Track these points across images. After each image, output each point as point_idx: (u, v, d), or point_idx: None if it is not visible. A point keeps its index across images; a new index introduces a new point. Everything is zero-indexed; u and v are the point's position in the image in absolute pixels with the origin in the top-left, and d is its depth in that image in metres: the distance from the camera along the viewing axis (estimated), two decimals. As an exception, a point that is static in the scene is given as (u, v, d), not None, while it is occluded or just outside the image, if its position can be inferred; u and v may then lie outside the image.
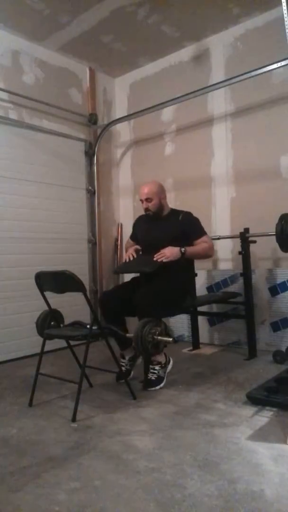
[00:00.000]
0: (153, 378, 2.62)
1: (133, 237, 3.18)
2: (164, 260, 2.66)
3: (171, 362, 2.79)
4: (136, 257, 2.93)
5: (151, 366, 2.64)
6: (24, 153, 3.77)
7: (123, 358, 2.80)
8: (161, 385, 2.62)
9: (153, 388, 2.58)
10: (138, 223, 3.17)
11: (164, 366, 2.68)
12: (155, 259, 2.68)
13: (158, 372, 2.63)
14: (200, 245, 2.83)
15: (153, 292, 2.62)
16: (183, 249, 2.72)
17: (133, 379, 2.73)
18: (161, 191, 2.91)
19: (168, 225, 2.89)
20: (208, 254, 2.89)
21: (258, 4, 3.43)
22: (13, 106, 3.72)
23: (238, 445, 1.81)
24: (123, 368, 2.72)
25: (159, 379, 2.62)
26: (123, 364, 2.77)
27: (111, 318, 2.73)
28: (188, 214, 2.93)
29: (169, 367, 2.77)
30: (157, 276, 2.68)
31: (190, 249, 2.76)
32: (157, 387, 2.59)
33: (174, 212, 2.97)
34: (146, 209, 2.91)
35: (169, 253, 2.68)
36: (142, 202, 2.91)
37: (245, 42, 3.71)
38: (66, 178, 4.13)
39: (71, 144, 4.21)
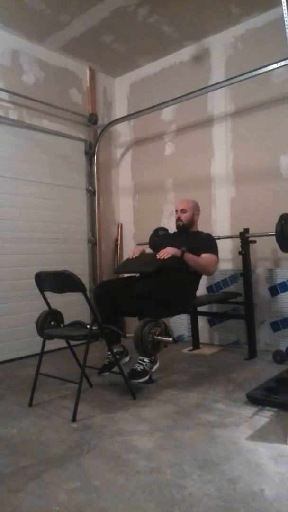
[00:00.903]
0: (138, 369, 2.62)
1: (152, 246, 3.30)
2: (165, 257, 2.69)
3: (158, 363, 2.78)
4: (138, 256, 2.95)
5: (139, 357, 2.64)
6: (24, 153, 3.77)
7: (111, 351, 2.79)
8: (145, 378, 2.61)
9: (136, 381, 2.57)
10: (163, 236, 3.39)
11: (152, 361, 2.69)
12: (158, 256, 2.72)
13: (146, 364, 2.64)
14: (204, 258, 2.89)
15: (154, 292, 2.61)
16: (184, 248, 2.75)
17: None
18: (196, 208, 3.19)
19: (190, 240, 3.01)
20: (208, 268, 2.93)
21: (258, 4, 3.43)
22: (13, 106, 3.72)
23: (238, 445, 1.81)
24: (107, 361, 2.76)
25: (144, 372, 2.62)
26: (108, 357, 2.77)
27: (102, 306, 2.78)
28: (209, 235, 3.17)
29: (155, 367, 2.76)
30: (160, 276, 2.68)
31: (191, 254, 2.81)
32: (141, 380, 2.59)
33: (200, 232, 3.19)
34: (178, 219, 3.15)
35: (170, 249, 2.75)
36: (177, 212, 3.17)
37: (245, 42, 3.71)
38: (66, 178, 4.13)
39: (71, 144, 4.21)
